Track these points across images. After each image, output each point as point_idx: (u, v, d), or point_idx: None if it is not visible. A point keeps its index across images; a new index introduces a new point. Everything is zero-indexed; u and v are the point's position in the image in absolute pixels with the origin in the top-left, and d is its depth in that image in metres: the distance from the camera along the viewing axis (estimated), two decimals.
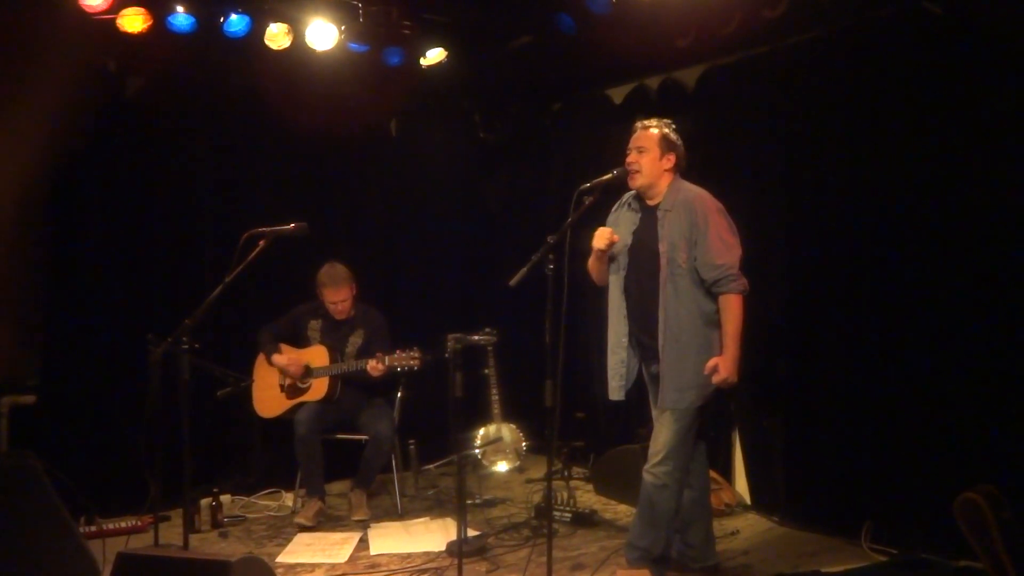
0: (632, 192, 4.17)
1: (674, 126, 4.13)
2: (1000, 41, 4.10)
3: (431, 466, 6.56)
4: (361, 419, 5.39)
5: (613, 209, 4.30)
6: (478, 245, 7.18)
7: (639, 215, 4.13)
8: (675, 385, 3.98)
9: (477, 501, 5.65)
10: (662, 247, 3.99)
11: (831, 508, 4.84)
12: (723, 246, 3.94)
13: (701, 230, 3.94)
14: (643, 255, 4.07)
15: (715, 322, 3.99)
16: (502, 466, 6.31)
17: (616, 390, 4.21)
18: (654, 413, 4.20)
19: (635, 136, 4.09)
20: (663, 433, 4.03)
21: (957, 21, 4.24)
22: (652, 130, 4.07)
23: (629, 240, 4.12)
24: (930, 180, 4.39)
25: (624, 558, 4.30)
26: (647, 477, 4.07)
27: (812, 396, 4.96)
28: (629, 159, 4.05)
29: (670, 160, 4.05)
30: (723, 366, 3.93)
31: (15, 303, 5.42)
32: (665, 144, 4.04)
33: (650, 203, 4.09)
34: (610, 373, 4.25)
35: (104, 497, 5.01)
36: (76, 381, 5.43)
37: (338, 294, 5.35)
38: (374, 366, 5.14)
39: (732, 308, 3.93)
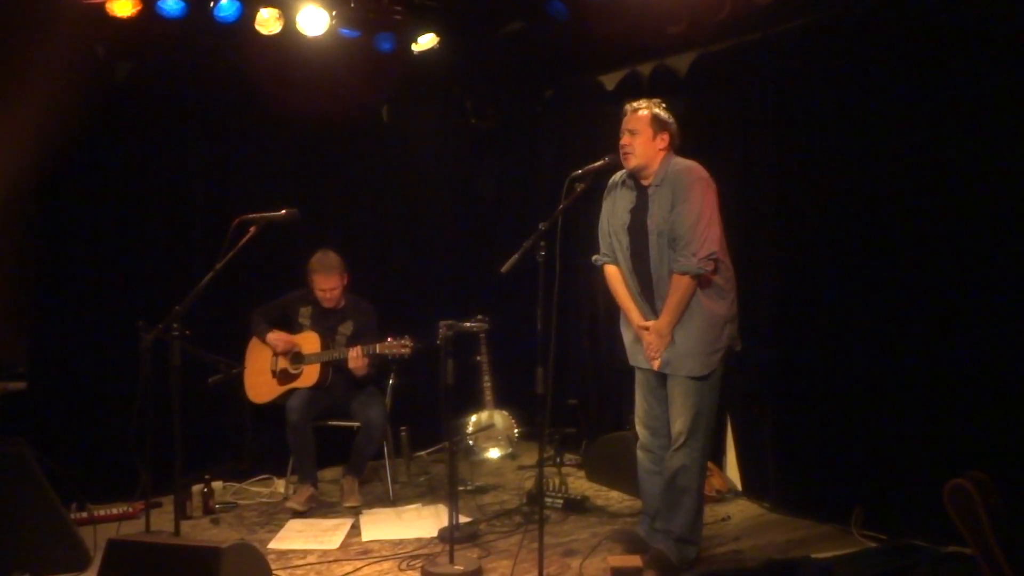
0: (624, 171, 4.15)
1: (664, 104, 4.11)
2: (992, 29, 4.10)
3: (423, 453, 6.57)
4: (353, 406, 5.39)
5: (606, 192, 4.29)
6: (469, 231, 7.17)
7: (635, 193, 4.12)
8: (683, 351, 3.98)
9: (469, 488, 5.66)
10: (651, 223, 4.00)
11: (821, 494, 4.86)
12: (693, 219, 3.90)
13: (680, 197, 3.93)
14: (640, 233, 4.06)
15: (713, 288, 3.99)
16: (494, 453, 6.32)
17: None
18: (647, 397, 4.22)
19: (626, 119, 4.07)
20: (681, 412, 4.02)
21: (949, 8, 4.24)
22: (642, 111, 4.05)
23: (627, 219, 4.12)
24: (920, 168, 4.40)
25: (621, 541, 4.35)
26: (668, 460, 4.08)
27: (802, 382, 4.98)
28: (622, 141, 4.04)
29: (663, 139, 4.03)
30: (653, 328, 4.00)
31: (4, 289, 5.40)
32: (657, 124, 4.02)
33: (644, 183, 4.07)
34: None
35: (95, 484, 4.99)
36: (66, 367, 5.42)
37: (328, 281, 5.34)
38: (355, 357, 5.13)
39: (680, 285, 3.92)
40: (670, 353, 4.02)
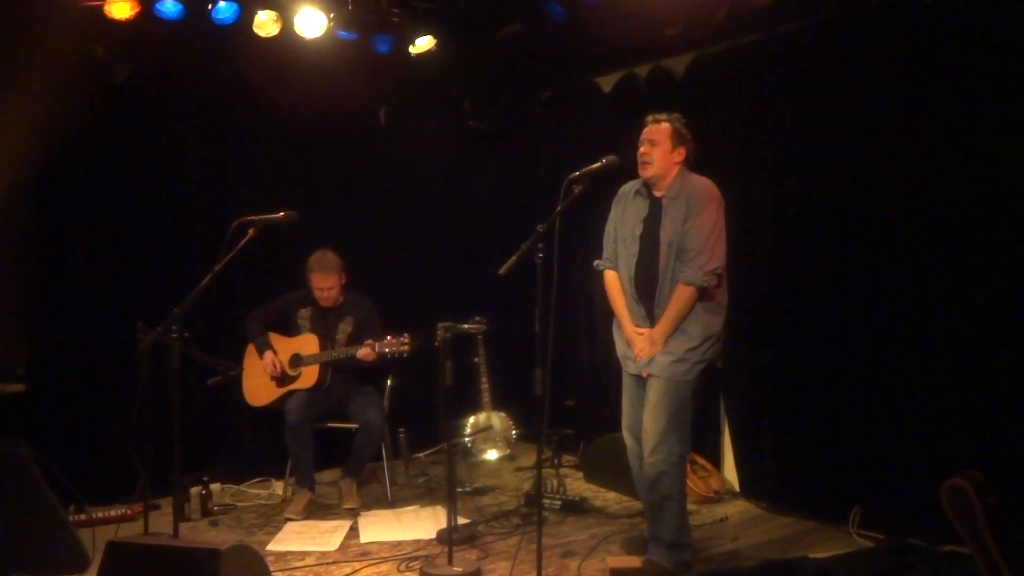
0: (640, 180, 4.22)
1: (684, 121, 4.19)
2: (989, 30, 4.12)
3: (421, 454, 6.57)
4: (351, 407, 5.39)
5: (616, 198, 4.35)
6: (467, 233, 7.18)
7: (648, 203, 4.20)
8: (672, 356, 4.05)
9: (467, 489, 5.66)
10: (663, 235, 4.07)
11: (819, 494, 4.87)
12: (706, 233, 4.00)
13: (694, 211, 4.02)
14: (649, 243, 4.14)
15: (714, 302, 4.08)
16: (492, 454, 6.32)
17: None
18: (633, 402, 4.24)
19: (647, 129, 4.16)
20: (655, 412, 4.06)
21: (946, 10, 4.25)
22: (664, 124, 4.14)
23: (639, 228, 4.18)
24: (917, 169, 4.41)
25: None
26: (645, 467, 4.11)
27: (800, 382, 4.98)
28: (641, 150, 4.12)
29: (681, 153, 4.12)
30: (648, 335, 4.08)
31: (3, 290, 5.40)
32: (677, 138, 4.12)
33: (657, 194, 4.15)
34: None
35: (94, 486, 4.99)
36: (65, 369, 5.42)
37: (326, 281, 5.35)
38: (366, 353, 5.15)
39: (683, 296, 4.01)
40: (658, 355, 4.08)
